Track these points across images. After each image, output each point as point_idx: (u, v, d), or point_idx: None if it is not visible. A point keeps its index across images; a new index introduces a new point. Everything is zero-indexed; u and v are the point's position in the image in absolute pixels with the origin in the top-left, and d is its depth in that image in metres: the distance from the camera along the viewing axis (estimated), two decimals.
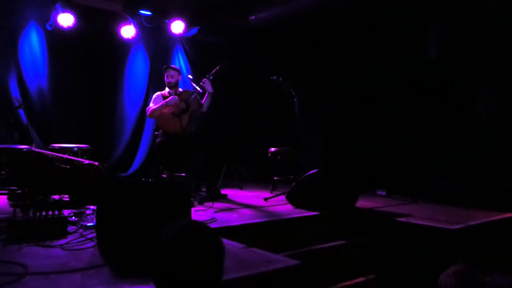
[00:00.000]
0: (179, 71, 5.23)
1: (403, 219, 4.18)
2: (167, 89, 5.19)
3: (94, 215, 3.45)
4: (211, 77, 5.00)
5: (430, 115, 5.43)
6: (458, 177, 5.07)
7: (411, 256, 3.88)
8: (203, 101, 5.05)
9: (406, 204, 5.09)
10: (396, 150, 5.67)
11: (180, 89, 5.24)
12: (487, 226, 4.12)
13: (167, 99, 4.94)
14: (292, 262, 2.81)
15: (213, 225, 3.55)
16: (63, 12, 5.58)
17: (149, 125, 6.40)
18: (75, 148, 4.99)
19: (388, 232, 4.15)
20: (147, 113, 5.18)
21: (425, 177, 5.32)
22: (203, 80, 4.96)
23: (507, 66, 4.93)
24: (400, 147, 5.65)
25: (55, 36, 5.76)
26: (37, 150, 4.54)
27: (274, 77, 5.22)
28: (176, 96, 4.94)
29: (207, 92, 5.03)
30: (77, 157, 4.81)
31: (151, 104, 5.12)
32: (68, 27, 5.67)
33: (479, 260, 2.66)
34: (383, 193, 5.67)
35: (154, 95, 5.20)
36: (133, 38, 6.22)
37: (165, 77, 5.14)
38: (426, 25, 5.47)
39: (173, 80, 5.12)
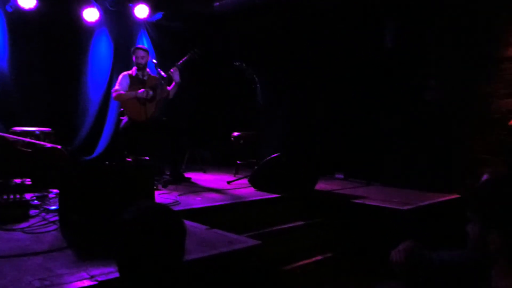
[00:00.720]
0: (147, 52, 5.21)
1: (359, 201, 4.37)
2: (134, 69, 5.17)
3: (57, 198, 3.44)
4: (180, 67, 5.01)
5: (387, 102, 5.65)
6: (411, 161, 5.32)
7: (366, 235, 4.08)
8: (169, 88, 5.08)
9: (363, 186, 5.31)
10: (354, 135, 5.87)
11: (148, 70, 5.22)
12: (436, 206, 4.36)
13: (138, 92, 4.93)
14: (253, 242, 2.89)
15: (176, 208, 3.61)
16: None
17: (113, 108, 6.35)
18: (37, 132, 4.93)
19: (345, 213, 4.32)
20: (112, 95, 5.15)
21: (381, 162, 5.55)
22: (171, 70, 4.97)
23: (452, 58, 5.20)
24: (357, 133, 5.86)
25: (16, 18, 5.58)
26: None
27: (237, 63, 5.28)
28: (144, 90, 4.93)
29: (174, 81, 5.04)
30: (40, 140, 4.75)
31: (117, 86, 5.09)
32: (30, 9, 5.49)
33: (428, 238, 2.85)
34: (341, 176, 5.87)
35: (121, 75, 5.16)
36: (96, 22, 6.11)
37: (134, 59, 5.10)
38: (384, 17, 5.65)
39: (143, 61, 5.09)
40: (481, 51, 5.01)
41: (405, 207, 4.06)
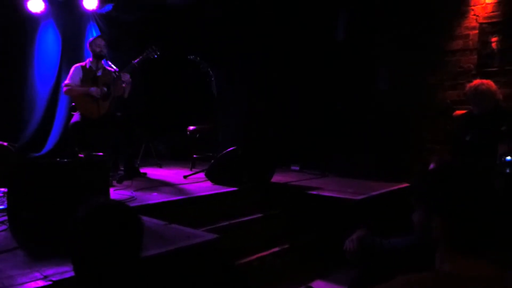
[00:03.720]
0: (106, 41, 5.06)
1: (314, 192, 4.45)
2: (88, 60, 5.01)
3: (5, 197, 3.31)
4: (137, 65, 4.91)
5: (340, 94, 5.79)
6: (364, 152, 5.49)
7: (322, 225, 4.18)
8: (124, 85, 4.96)
9: (318, 178, 5.40)
10: (308, 127, 5.99)
11: (103, 62, 5.07)
12: (387, 195, 4.52)
13: (91, 89, 4.78)
14: (211, 236, 2.90)
15: (132, 204, 3.55)
16: None
17: (63, 103, 6.11)
18: None
19: (301, 204, 4.40)
20: (63, 89, 4.97)
21: (335, 153, 5.69)
22: (122, 74, 4.84)
23: (402, 50, 5.40)
24: (311, 124, 5.97)
25: None
26: None
27: (191, 56, 5.24)
28: (98, 89, 4.79)
29: (125, 83, 4.92)
30: None
31: (67, 80, 4.91)
32: None
33: (380, 226, 2.97)
34: (297, 168, 5.94)
35: (73, 68, 4.95)
36: (42, 13, 5.83)
37: (94, 47, 4.91)
38: (335, 10, 5.77)
39: (103, 51, 4.91)
40: (428, 44, 5.24)
41: (358, 197, 4.18)
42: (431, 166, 2.66)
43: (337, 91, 5.79)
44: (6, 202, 3.13)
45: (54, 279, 2.03)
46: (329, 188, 4.61)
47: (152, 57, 4.97)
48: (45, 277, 2.05)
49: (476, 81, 3.91)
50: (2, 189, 3.73)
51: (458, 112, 4.59)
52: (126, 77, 4.87)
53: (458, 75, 5.04)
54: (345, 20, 5.63)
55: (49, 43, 6.19)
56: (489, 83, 3.79)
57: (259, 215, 4.20)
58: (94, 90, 4.78)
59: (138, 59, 4.95)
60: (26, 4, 5.71)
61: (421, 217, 1.17)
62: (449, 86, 5.12)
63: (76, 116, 4.87)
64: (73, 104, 5.01)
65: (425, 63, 5.25)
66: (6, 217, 3.02)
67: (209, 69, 5.26)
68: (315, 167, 5.78)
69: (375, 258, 2.22)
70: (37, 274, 2.09)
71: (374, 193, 4.43)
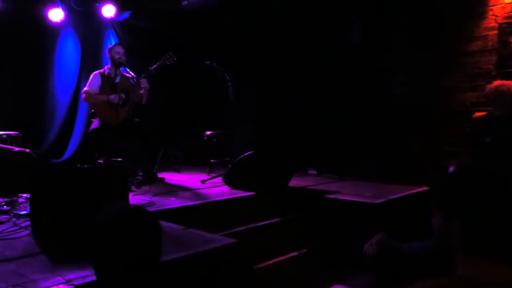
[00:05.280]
0: (125, 49, 5.14)
1: (332, 196, 4.42)
2: (106, 67, 5.09)
3: (28, 203, 3.38)
4: (154, 71, 4.97)
5: (357, 98, 5.75)
6: (381, 155, 5.44)
7: (340, 229, 4.14)
8: (141, 92, 5.03)
9: (335, 181, 5.35)
10: (325, 131, 5.96)
11: (121, 69, 5.15)
12: (406, 199, 4.45)
13: (111, 97, 4.85)
14: (229, 240, 2.92)
15: (151, 209, 3.59)
16: None
17: (83, 110, 6.23)
18: (4, 135, 4.81)
19: (319, 209, 4.37)
20: (83, 96, 5.06)
21: (352, 156, 5.64)
22: (141, 81, 4.91)
23: (419, 51, 5.34)
24: (328, 128, 5.94)
25: None
26: None
27: (208, 62, 5.28)
28: (117, 96, 4.86)
29: (143, 89, 4.98)
30: (7, 144, 4.64)
31: (87, 87, 5.00)
32: None
33: (400, 230, 2.93)
34: (314, 172, 5.91)
35: (92, 75, 5.05)
36: (62, 22, 5.96)
37: (113, 54, 5.00)
38: (348, 13, 5.75)
39: (122, 58, 4.98)
40: (445, 46, 5.17)
41: (377, 201, 4.13)
42: (451, 169, 2.61)
43: (354, 95, 5.75)
44: (28, 208, 3.20)
45: (76, 283, 2.06)
46: (347, 192, 4.57)
47: (169, 63, 5.03)
48: (67, 281, 2.08)
49: (497, 82, 3.85)
50: (25, 195, 3.80)
51: (478, 114, 4.52)
52: (144, 83, 4.93)
53: (477, 76, 4.96)
54: (359, 24, 5.59)
55: (69, 51, 6.32)
56: (510, 84, 3.74)
57: (277, 219, 4.19)
58: (113, 97, 4.85)
59: (155, 66, 5.01)
60: (47, 14, 5.83)
61: (440, 222, 1.15)
62: (467, 88, 5.04)
63: (95, 123, 4.95)
64: (93, 110, 5.10)
65: (442, 65, 5.19)
66: (29, 222, 3.08)
67: (225, 75, 5.29)
68: (332, 171, 5.74)
69: (394, 262, 2.20)
70: (60, 279, 2.12)
71: (393, 196, 4.37)
